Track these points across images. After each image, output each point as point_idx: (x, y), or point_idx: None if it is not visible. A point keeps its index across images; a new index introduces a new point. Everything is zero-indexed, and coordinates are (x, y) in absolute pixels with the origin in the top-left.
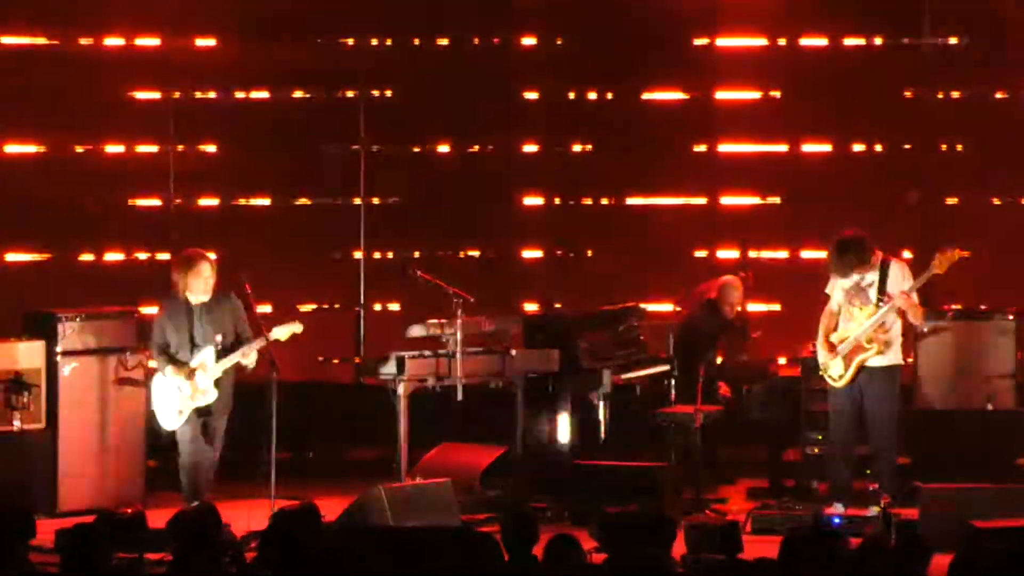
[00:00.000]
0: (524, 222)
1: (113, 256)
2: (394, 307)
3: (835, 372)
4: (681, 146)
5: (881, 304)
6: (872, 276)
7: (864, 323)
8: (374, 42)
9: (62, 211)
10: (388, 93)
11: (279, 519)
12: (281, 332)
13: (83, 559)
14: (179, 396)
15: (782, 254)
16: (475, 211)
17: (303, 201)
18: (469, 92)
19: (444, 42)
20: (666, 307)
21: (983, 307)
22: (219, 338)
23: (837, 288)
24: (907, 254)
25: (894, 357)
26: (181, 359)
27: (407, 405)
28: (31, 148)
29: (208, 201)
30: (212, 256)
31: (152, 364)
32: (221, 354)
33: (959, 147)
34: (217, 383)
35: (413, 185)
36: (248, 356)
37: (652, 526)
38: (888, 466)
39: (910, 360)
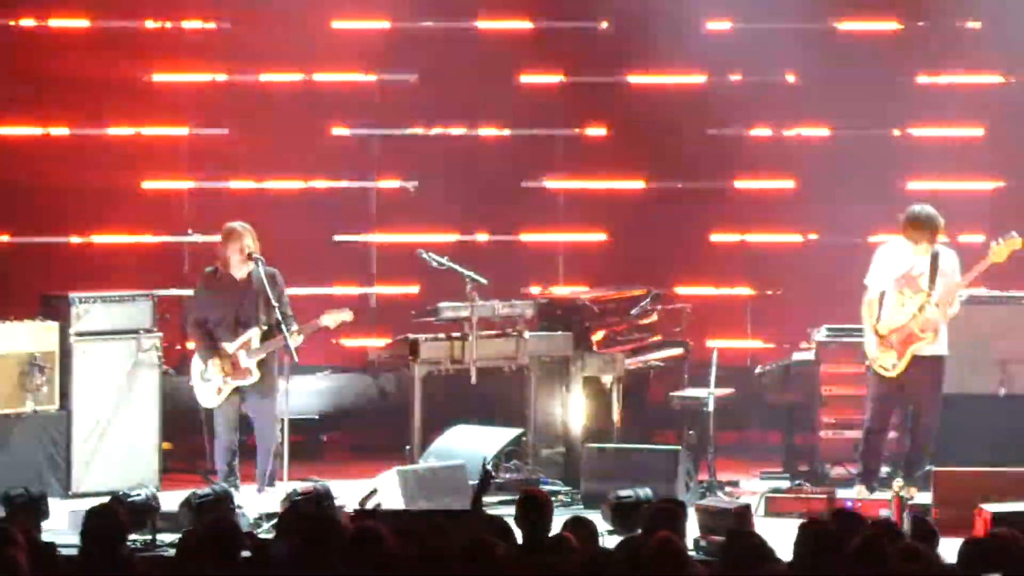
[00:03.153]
0: (538, 206)
1: (129, 239)
2: (411, 290)
3: (888, 362)
4: (697, 130)
5: (933, 292)
6: (923, 262)
7: (922, 311)
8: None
9: (79, 193)
10: (410, 78)
11: (294, 501)
12: (331, 319)
13: (101, 540)
14: (219, 375)
15: (793, 238)
16: (488, 194)
17: (316, 184)
18: (479, 75)
19: (455, 25)
20: (680, 291)
21: (996, 292)
22: (263, 318)
23: (883, 276)
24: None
25: (942, 347)
26: (223, 336)
27: (421, 388)
28: (51, 130)
29: (221, 184)
30: (249, 228)
31: (190, 344)
32: (267, 334)
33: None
34: (260, 364)
35: (424, 168)
36: (296, 340)
37: (664, 509)
38: (922, 460)
39: None
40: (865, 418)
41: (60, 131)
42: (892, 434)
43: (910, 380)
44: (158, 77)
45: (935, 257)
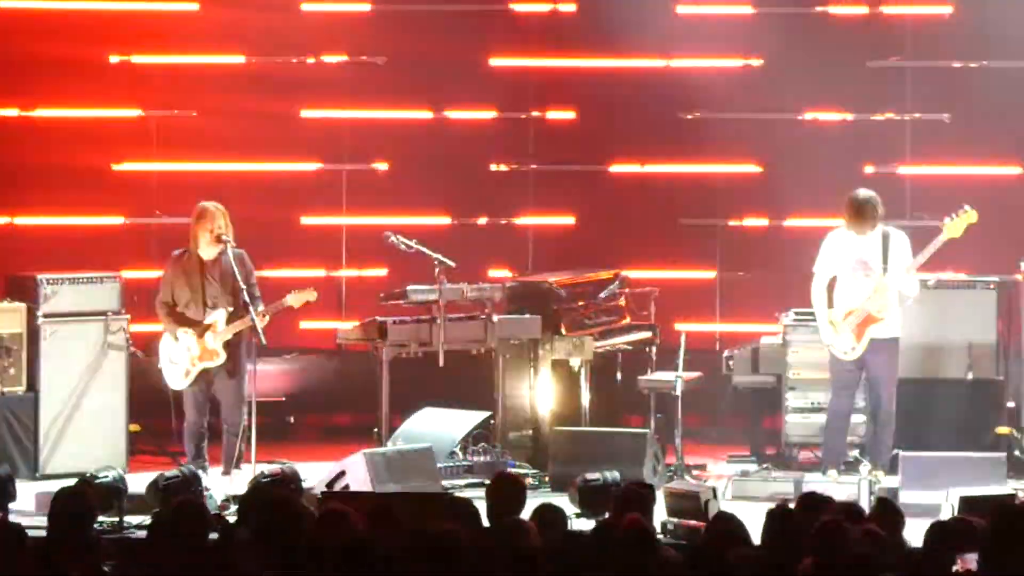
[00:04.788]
0: (506, 189)
1: (96, 220)
2: (380, 272)
3: (846, 346)
4: (666, 114)
5: (886, 273)
6: (874, 245)
7: (877, 293)
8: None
9: (47, 174)
10: (379, 60)
11: (259, 483)
12: (295, 299)
13: (69, 522)
14: (187, 356)
15: (761, 222)
16: (457, 177)
17: (284, 166)
18: (448, 58)
19: (424, 8)
20: (648, 274)
21: (963, 276)
22: (230, 299)
23: (833, 262)
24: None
25: (897, 328)
26: (191, 316)
27: (389, 371)
28: (18, 111)
29: (189, 165)
30: (222, 209)
31: (158, 326)
32: (233, 316)
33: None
34: (227, 345)
35: (393, 151)
36: (263, 320)
37: (633, 492)
38: (890, 437)
39: None
40: (828, 403)
41: (28, 113)
42: (860, 418)
43: (869, 363)
44: (126, 58)
45: (886, 238)
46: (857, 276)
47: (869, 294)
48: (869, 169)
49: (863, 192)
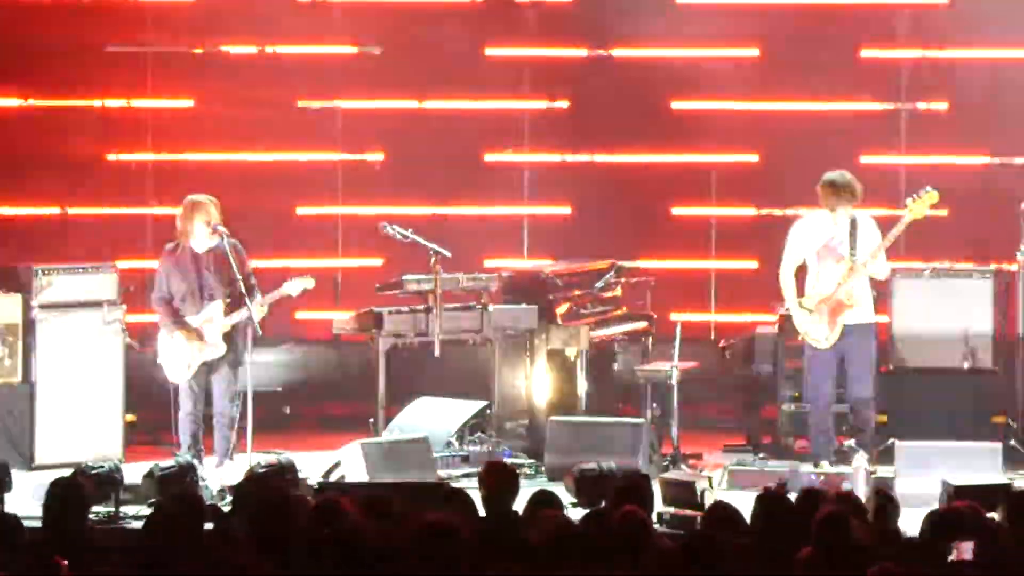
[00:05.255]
0: (502, 179)
1: (92, 211)
2: (376, 262)
3: (820, 334)
4: (661, 103)
5: (855, 258)
6: (842, 231)
7: (848, 279)
8: None
9: (42, 165)
10: (375, 50)
11: (254, 474)
12: (293, 287)
13: (65, 512)
14: (187, 349)
15: (757, 211)
16: (452, 167)
17: (280, 156)
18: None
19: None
20: (644, 264)
21: (961, 265)
22: (226, 290)
23: (800, 249)
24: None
25: (871, 313)
26: (188, 310)
27: (385, 361)
28: (13, 100)
29: (186, 155)
30: (214, 199)
31: (155, 318)
32: (231, 306)
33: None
34: (226, 337)
35: (389, 141)
36: (261, 311)
37: (628, 482)
38: (868, 423)
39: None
40: (807, 394)
41: (21, 102)
42: (843, 406)
43: (844, 349)
44: (121, 48)
45: (853, 223)
46: (826, 263)
47: (839, 281)
48: (865, 159)
49: (841, 174)
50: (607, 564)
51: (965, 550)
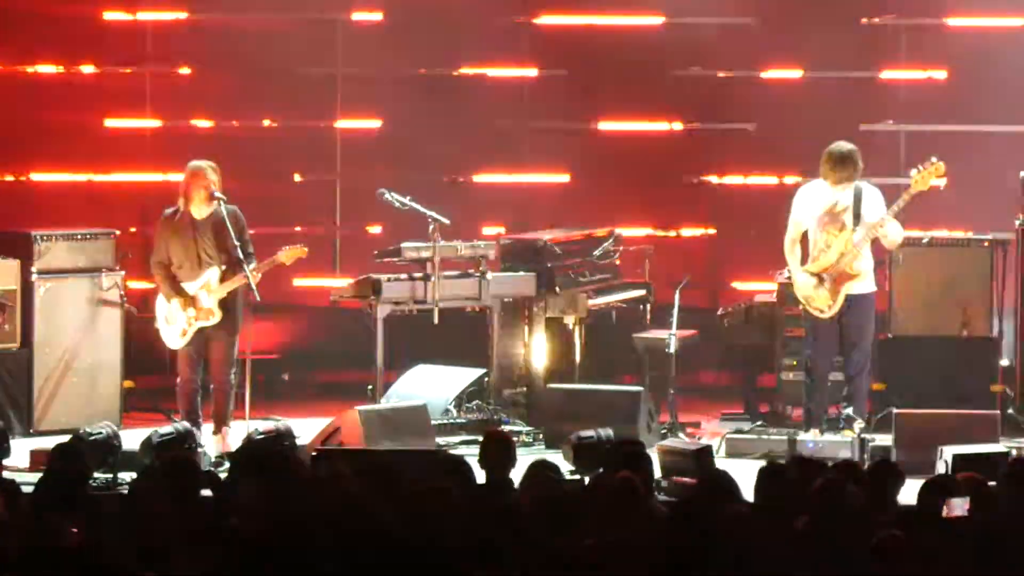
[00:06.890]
0: (501, 146)
1: (92, 177)
2: (375, 230)
3: (822, 304)
4: (662, 71)
5: (858, 228)
6: (846, 200)
7: (850, 248)
8: None
9: (41, 131)
10: (376, 17)
11: (252, 440)
12: (286, 255)
13: (62, 478)
14: (183, 316)
15: (759, 179)
16: (451, 134)
17: (273, 123)
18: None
19: None
20: (642, 231)
21: (958, 234)
22: (223, 256)
23: (804, 215)
24: None
25: (872, 283)
26: (185, 276)
27: (384, 328)
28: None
29: (184, 122)
30: (214, 165)
31: (153, 284)
32: (227, 273)
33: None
34: (222, 303)
35: (389, 108)
36: (255, 278)
37: (626, 450)
38: (863, 392)
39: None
40: (805, 362)
41: (21, 68)
42: (838, 376)
43: (844, 318)
44: (120, 15)
45: (859, 193)
46: (829, 231)
47: (841, 250)
48: (864, 127)
49: (845, 144)
50: (600, 530)
51: (956, 507)
